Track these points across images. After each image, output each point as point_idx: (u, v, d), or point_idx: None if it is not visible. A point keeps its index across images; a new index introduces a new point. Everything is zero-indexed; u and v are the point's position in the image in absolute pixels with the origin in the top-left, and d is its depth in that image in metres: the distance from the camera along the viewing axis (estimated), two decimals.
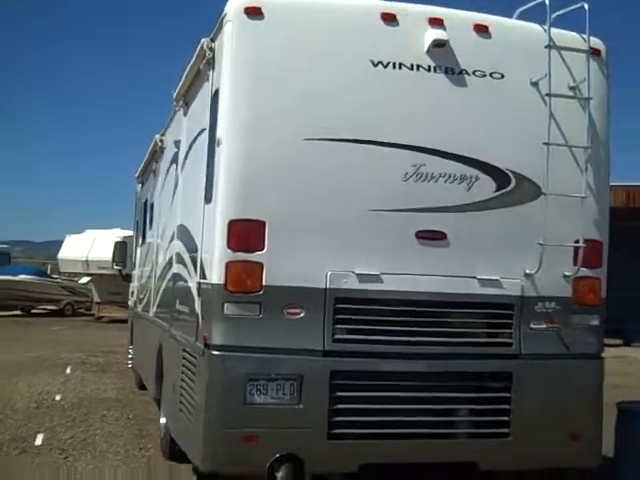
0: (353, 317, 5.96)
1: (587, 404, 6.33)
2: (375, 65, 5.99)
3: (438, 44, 6.06)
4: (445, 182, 6.07)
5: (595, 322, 6.44)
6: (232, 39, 5.88)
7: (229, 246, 5.80)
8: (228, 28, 5.90)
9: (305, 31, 5.96)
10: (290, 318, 5.82)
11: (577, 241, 6.25)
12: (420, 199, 6.03)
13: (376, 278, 5.93)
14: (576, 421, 6.28)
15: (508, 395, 6.16)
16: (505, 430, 6.14)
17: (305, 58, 5.94)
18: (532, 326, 6.26)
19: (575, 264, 6.33)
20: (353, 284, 5.89)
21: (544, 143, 6.11)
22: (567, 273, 6.31)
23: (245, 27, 5.88)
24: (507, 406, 6.15)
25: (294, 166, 5.86)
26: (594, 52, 6.46)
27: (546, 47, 6.17)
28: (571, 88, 6.37)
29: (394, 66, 6.04)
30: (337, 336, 5.90)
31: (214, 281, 5.84)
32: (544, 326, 6.29)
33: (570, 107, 6.30)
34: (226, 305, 5.79)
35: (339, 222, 5.92)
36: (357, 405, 5.92)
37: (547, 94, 6.17)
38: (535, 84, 6.26)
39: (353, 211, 5.93)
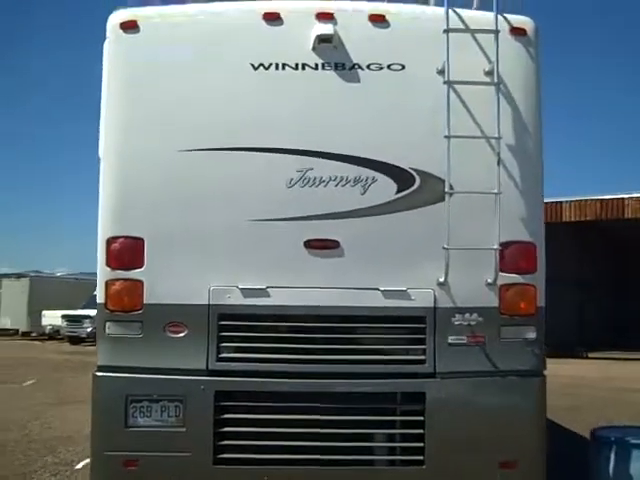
0: (239, 334, 5.75)
1: (521, 428, 5.68)
2: (256, 68, 5.81)
3: (324, 39, 5.77)
4: (336, 186, 5.71)
5: (530, 335, 5.77)
6: (109, 56, 5.98)
7: (108, 264, 5.77)
8: (106, 45, 5.95)
9: (182, 41, 5.93)
10: (172, 337, 5.68)
11: (494, 243, 5.64)
12: (308, 206, 5.73)
13: (262, 292, 5.65)
14: (507, 447, 5.65)
15: (421, 418, 5.58)
16: (419, 457, 5.62)
17: (182, 68, 5.90)
18: (450, 341, 5.69)
19: (501, 270, 5.64)
20: (237, 299, 5.67)
21: (445, 136, 5.57)
22: (490, 280, 5.62)
23: (121, 42, 5.95)
24: (420, 431, 5.57)
25: (171, 179, 5.79)
26: (517, 32, 5.88)
27: (445, 31, 5.65)
28: (488, 73, 5.74)
29: (277, 67, 5.81)
30: (222, 355, 5.69)
31: (99, 300, 5.79)
32: (464, 340, 5.68)
33: (485, 95, 5.67)
34: (107, 324, 5.76)
35: (220, 235, 5.76)
36: (245, 428, 5.64)
37: (445, 82, 5.60)
38: (442, 72, 5.74)
39: (234, 222, 5.76)
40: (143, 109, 5.86)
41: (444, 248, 5.58)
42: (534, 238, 5.82)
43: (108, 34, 5.97)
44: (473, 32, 5.81)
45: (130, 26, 5.89)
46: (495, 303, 5.73)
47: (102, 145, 5.94)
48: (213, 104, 5.83)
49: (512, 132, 5.81)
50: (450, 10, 5.81)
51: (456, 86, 5.79)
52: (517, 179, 5.80)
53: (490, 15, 5.88)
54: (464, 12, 5.90)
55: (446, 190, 5.64)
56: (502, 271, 5.74)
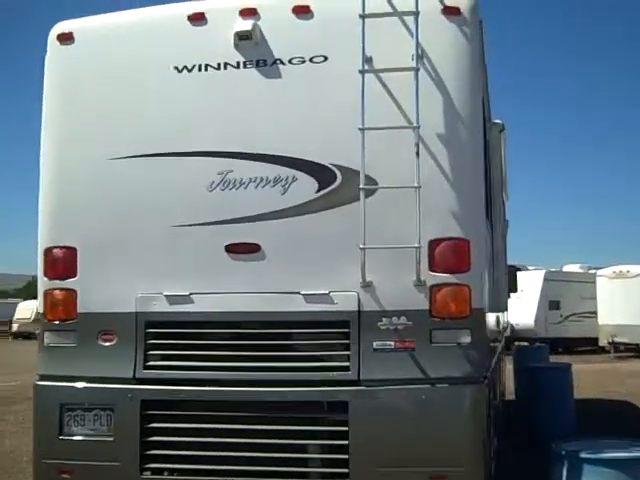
0: (165, 342, 5.79)
1: (453, 438, 5.31)
2: (180, 71, 5.83)
3: (242, 37, 5.72)
4: (256, 187, 5.62)
5: (464, 339, 5.40)
6: (47, 67, 6.19)
7: (45, 274, 5.93)
8: (46, 57, 6.07)
9: (112, 49, 6.06)
10: (104, 345, 5.81)
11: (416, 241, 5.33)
12: (228, 209, 5.67)
13: (186, 299, 5.66)
14: (438, 459, 5.34)
15: (345, 429, 5.34)
16: (344, 470, 5.41)
17: (111, 77, 6.04)
18: (376, 346, 5.43)
19: (431, 269, 5.32)
20: (163, 307, 5.70)
21: (359, 128, 5.31)
22: (418, 280, 5.30)
23: (57, 54, 6.17)
24: (345, 442, 5.34)
25: (100, 188, 5.94)
26: (450, 11, 5.56)
27: (360, 17, 5.40)
28: (419, 58, 5.45)
29: (199, 68, 5.81)
30: (149, 363, 5.76)
31: (40, 310, 5.95)
32: (392, 346, 5.40)
33: (410, 82, 5.35)
34: (45, 334, 5.95)
35: (145, 242, 5.82)
36: (172, 437, 5.66)
37: (360, 71, 5.34)
38: (368, 61, 5.52)
39: (158, 229, 5.80)
40: (75, 118, 6.04)
41: (360, 248, 5.30)
42: (467, 234, 5.43)
43: (48, 47, 6.13)
44: (391, 15, 5.50)
45: (66, 38, 6.08)
46: (425, 305, 5.40)
47: (41, 155, 6.09)
48: (138, 111, 5.91)
49: (441, 121, 5.48)
50: None
51: (382, 75, 5.50)
52: (447, 171, 5.44)
53: None
54: None
55: (361, 186, 5.36)
56: (432, 271, 5.42)
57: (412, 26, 5.51)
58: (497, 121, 8.65)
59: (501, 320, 10.68)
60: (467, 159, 5.54)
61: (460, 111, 5.51)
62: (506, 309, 14.01)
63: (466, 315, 5.40)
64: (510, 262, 15.30)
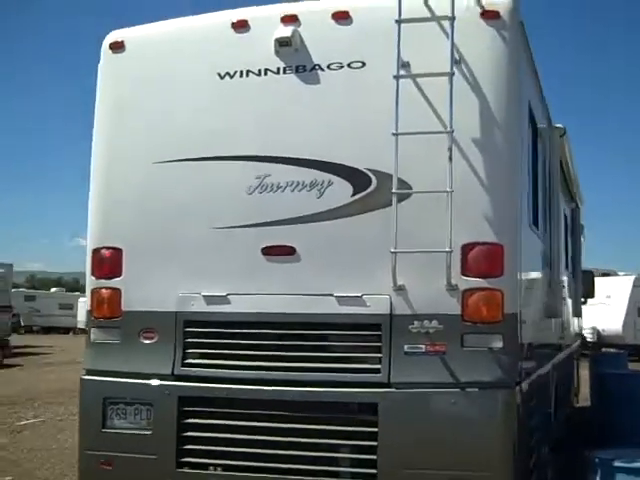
0: (203, 341, 5.96)
1: (481, 443, 5.32)
2: (222, 77, 6.00)
3: (283, 43, 5.86)
4: (293, 191, 5.74)
5: (497, 344, 5.39)
6: (100, 74, 6.41)
7: (93, 274, 6.19)
8: (99, 65, 6.30)
9: (160, 58, 6.30)
10: (145, 342, 6.01)
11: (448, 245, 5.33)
12: (266, 212, 5.80)
13: (223, 299, 5.81)
14: (465, 463, 5.34)
15: (375, 430, 5.41)
16: (372, 471, 5.47)
17: (159, 84, 6.27)
18: (407, 350, 5.49)
19: (464, 273, 5.34)
20: (201, 306, 5.87)
21: (393, 134, 5.38)
22: (451, 284, 5.32)
23: (109, 62, 6.41)
24: (374, 443, 5.40)
25: (146, 191, 6.14)
26: (489, 15, 5.55)
27: (397, 22, 5.46)
28: (457, 63, 5.46)
29: (241, 75, 5.96)
30: (187, 360, 5.94)
31: (87, 308, 6.20)
32: (423, 349, 5.44)
33: (444, 86, 5.40)
34: (92, 331, 6.19)
35: (186, 243, 6.01)
36: (207, 433, 5.83)
37: (395, 76, 5.41)
38: (405, 66, 5.53)
39: (199, 231, 5.99)
40: (125, 124, 6.29)
41: (391, 252, 5.34)
42: (501, 239, 5.42)
43: (101, 55, 6.37)
44: (427, 21, 5.52)
45: (117, 46, 6.33)
46: (457, 310, 5.41)
47: (92, 158, 6.32)
48: (183, 116, 6.10)
49: (476, 125, 5.49)
50: None
51: (419, 80, 5.54)
52: (482, 176, 5.44)
53: (463, 1, 5.56)
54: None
55: (393, 190, 5.40)
56: (465, 275, 5.43)
57: (450, 30, 5.53)
58: (558, 125, 8.53)
59: (567, 325, 10.54)
60: (503, 164, 5.51)
61: (496, 115, 5.50)
62: (579, 315, 13.82)
63: (498, 320, 5.39)
64: (600, 268, 15.12)
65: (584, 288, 14.63)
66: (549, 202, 8.30)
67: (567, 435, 9.70)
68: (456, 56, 5.52)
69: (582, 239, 14.79)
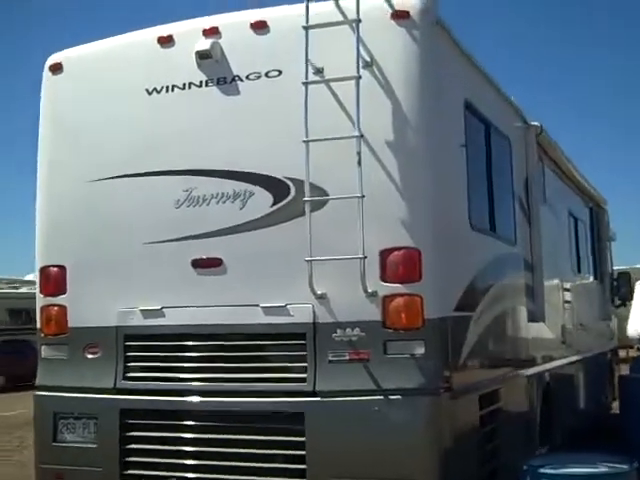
0: (141, 354, 6.10)
1: (406, 450, 5.27)
2: (150, 93, 6.14)
3: (203, 55, 5.94)
4: (217, 203, 5.84)
5: (418, 350, 5.34)
6: (42, 96, 6.61)
7: (41, 291, 6.34)
8: (42, 87, 6.49)
9: (95, 77, 6.44)
10: (90, 357, 6.18)
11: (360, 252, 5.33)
12: (193, 225, 5.92)
13: (158, 313, 5.94)
14: (390, 471, 5.31)
15: (302, 439, 5.40)
16: None
17: (93, 103, 6.41)
18: (331, 358, 5.50)
19: (383, 279, 5.32)
20: (139, 321, 6.01)
21: (303, 141, 5.39)
22: (369, 290, 5.32)
23: (49, 83, 6.60)
24: (302, 452, 5.40)
25: (84, 209, 6.33)
26: (400, 15, 5.57)
27: (304, 28, 5.49)
28: (366, 66, 5.47)
29: (167, 90, 6.10)
30: (128, 374, 6.08)
31: (38, 326, 6.35)
32: (346, 357, 5.44)
33: (366, 89, 5.43)
34: (43, 347, 6.34)
35: (123, 259, 6.16)
36: (148, 445, 5.93)
37: (303, 82, 5.45)
38: (319, 71, 5.58)
39: (133, 246, 6.14)
40: (62, 144, 6.48)
41: (306, 260, 5.35)
42: (418, 243, 5.36)
43: (43, 77, 6.55)
44: (333, 25, 5.53)
45: (56, 68, 6.53)
46: (378, 316, 5.40)
47: (37, 181, 6.51)
48: (115, 134, 6.25)
49: (389, 128, 5.45)
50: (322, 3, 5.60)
51: (333, 85, 5.55)
52: (397, 180, 5.41)
53: (374, 2, 5.56)
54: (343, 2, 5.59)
55: (305, 198, 5.43)
56: (384, 281, 5.40)
57: (363, 34, 5.52)
58: (534, 123, 8.41)
59: (574, 331, 10.29)
60: (418, 167, 5.48)
61: (409, 117, 5.48)
62: (608, 318, 13.46)
63: (419, 326, 5.34)
64: None
65: (620, 290, 14.31)
66: (527, 204, 8.18)
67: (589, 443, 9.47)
68: (368, 58, 5.52)
69: (609, 241, 14.49)
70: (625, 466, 5.17)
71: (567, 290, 10.03)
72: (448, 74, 5.95)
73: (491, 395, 6.39)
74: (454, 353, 5.66)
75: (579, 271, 11.24)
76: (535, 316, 8.11)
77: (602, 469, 5.17)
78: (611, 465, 5.22)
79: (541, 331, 8.34)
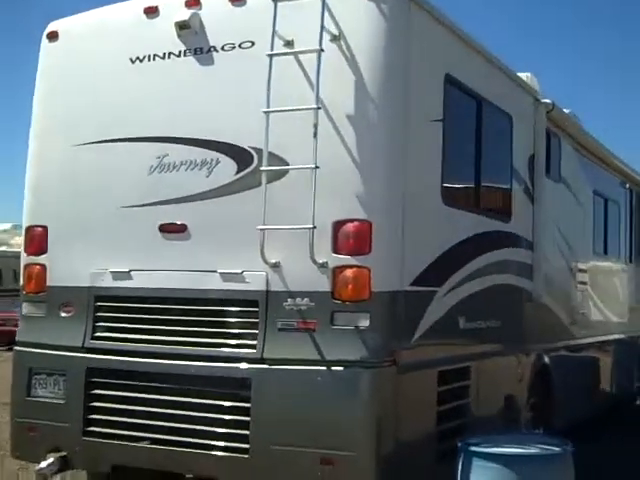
0: (109, 315, 6.29)
1: (346, 422, 5.32)
2: (133, 62, 6.28)
3: (182, 26, 6.04)
4: (186, 170, 5.96)
5: (363, 323, 5.37)
6: (39, 62, 6.73)
7: (25, 250, 6.56)
8: (40, 53, 6.68)
9: (86, 45, 6.59)
10: (64, 316, 6.36)
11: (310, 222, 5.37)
12: (163, 191, 6.07)
13: (127, 275, 6.10)
14: (330, 442, 5.34)
15: (247, 405, 5.52)
16: (244, 446, 5.56)
17: (83, 70, 6.57)
18: (280, 326, 5.55)
19: (334, 251, 5.38)
20: (108, 282, 6.18)
21: (264, 111, 5.45)
22: (320, 261, 5.37)
23: (46, 49, 6.79)
24: (246, 418, 5.50)
25: (66, 172, 6.52)
26: None
27: (273, 1, 5.54)
28: (333, 39, 5.49)
29: (149, 59, 6.24)
30: (96, 334, 6.26)
31: (21, 283, 6.58)
32: (294, 326, 5.48)
33: (328, 63, 5.45)
34: (24, 304, 6.57)
35: (99, 222, 6.35)
36: (110, 404, 6.13)
37: (268, 54, 5.49)
38: (289, 44, 5.59)
39: (108, 210, 6.30)
40: (53, 109, 6.67)
41: (258, 229, 5.41)
42: (370, 215, 5.37)
43: (41, 44, 6.72)
44: None
45: (52, 36, 6.70)
46: (327, 287, 5.43)
47: (29, 145, 6.71)
48: (98, 101, 6.41)
49: (351, 102, 5.46)
50: None
51: (301, 57, 5.56)
52: (354, 153, 5.41)
53: None
54: None
55: (262, 168, 5.49)
56: (335, 252, 5.43)
57: (333, 8, 5.52)
58: (545, 100, 8.25)
59: (592, 312, 10.12)
60: (376, 141, 5.48)
61: (371, 92, 5.46)
62: None
63: (365, 298, 5.35)
64: None
65: None
66: (531, 182, 8.05)
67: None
68: (336, 32, 5.52)
69: None
70: (557, 449, 5.11)
71: (583, 271, 9.84)
72: (423, 49, 5.91)
73: (457, 372, 6.36)
74: (406, 327, 5.65)
75: (605, 252, 11.00)
76: (533, 295, 8.02)
77: (533, 450, 5.12)
78: (545, 447, 5.17)
79: (540, 311, 8.22)
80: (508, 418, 7.42)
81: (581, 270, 9.75)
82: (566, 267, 9.24)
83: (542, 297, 8.18)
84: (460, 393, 6.42)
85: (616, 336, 11.41)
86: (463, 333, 6.55)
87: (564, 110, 9.21)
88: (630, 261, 12.40)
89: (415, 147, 5.78)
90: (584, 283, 9.84)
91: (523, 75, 8.54)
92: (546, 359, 8.45)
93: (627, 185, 12.24)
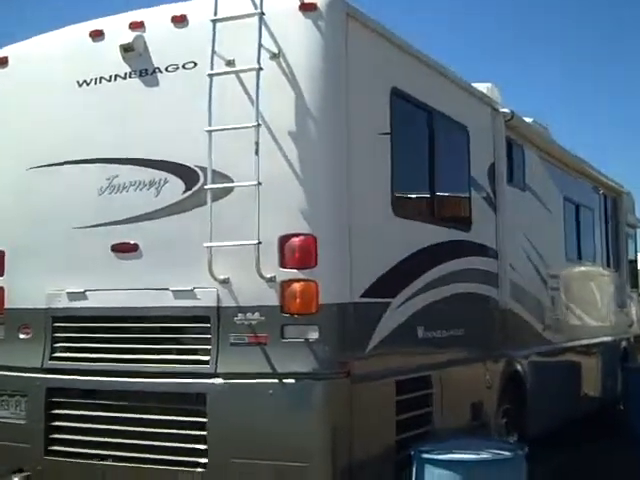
0: (67, 335, 6.38)
1: (299, 433, 5.40)
2: (80, 85, 6.37)
3: (127, 49, 6.14)
4: (135, 190, 6.07)
5: (312, 335, 5.45)
6: None
7: None
8: None
9: (35, 70, 6.70)
10: (22, 338, 6.42)
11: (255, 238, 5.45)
12: (114, 212, 6.16)
13: (82, 296, 6.19)
14: (284, 453, 5.42)
15: (204, 420, 5.59)
16: (202, 460, 5.64)
17: (32, 95, 6.68)
18: (232, 340, 5.64)
19: (281, 265, 5.46)
20: (64, 303, 6.28)
21: (206, 130, 5.53)
22: (268, 276, 5.45)
23: None
24: (203, 432, 5.57)
25: (19, 197, 6.62)
26: (307, 7, 5.70)
27: (212, 21, 5.63)
28: (273, 57, 5.60)
29: (95, 82, 6.33)
30: (54, 354, 6.32)
31: None
32: (246, 340, 5.56)
33: (269, 81, 5.54)
34: None
35: (53, 244, 6.40)
36: (70, 423, 6.18)
37: (209, 74, 5.59)
38: (230, 63, 5.69)
39: (61, 231, 6.39)
40: (5, 133, 6.72)
41: (205, 246, 5.49)
42: (314, 229, 5.46)
43: None
44: (240, 18, 5.64)
45: (3, 62, 6.79)
46: (276, 301, 5.50)
47: None
48: (48, 125, 6.50)
49: (291, 119, 5.56)
50: None
51: (242, 75, 5.65)
52: (296, 168, 5.51)
53: None
54: None
55: (206, 186, 5.58)
56: (282, 267, 5.52)
57: (272, 26, 5.62)
58: (503, 110, 8.35)
59: (566, 318, 10.16)
60: (317, 156, 5.58)
61: (311, 109, 5.56)
62: (623, 306, 13.17)
63: (313, 311, 5.43)
64: None
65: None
66: (493, 191, 8.12)
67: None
68: (275, 50, 5.63)
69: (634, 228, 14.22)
70: (508, 453, 5.16)
71: (555, 277, 9.89)
72: (364, 64, 6.00)
73: (417, 381, 6.40)
74: (358, 338, 5.71)
75: (579, 258, 11.05)
76: (499, 303, 8.07)
77: (484, 455, 5.17)
78: (496, 452, 5.22)
79: (507, 318, 8.27)
80: (476, 425, 7.47)
81: (553, 276, 9.80)
82: (535, 274, 9.29)
83: (508, 304, 8.24)
84: (422, 402, 6.47)
85: (596, 340, 11.46)
86: (422, 342, 6.60)
87: (525, 119, 9.32)
88: (608, 265, 12.48)
89: (360, 161, 5.85)
90: (556, 289, 9.89)
91: (483, 85, 8.67)
92: (517, 365, 8.49)
93: (600, 191, 12.32)
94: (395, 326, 6.14)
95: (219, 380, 5.60)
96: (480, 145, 7.89)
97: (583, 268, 11.28)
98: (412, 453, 5.44)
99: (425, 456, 5.17)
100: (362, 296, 5.77)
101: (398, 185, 6.29)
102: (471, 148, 7.67)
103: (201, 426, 5.59)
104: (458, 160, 7.51)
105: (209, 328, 5.68)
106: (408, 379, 6.27)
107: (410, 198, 6.73)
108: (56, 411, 6.15)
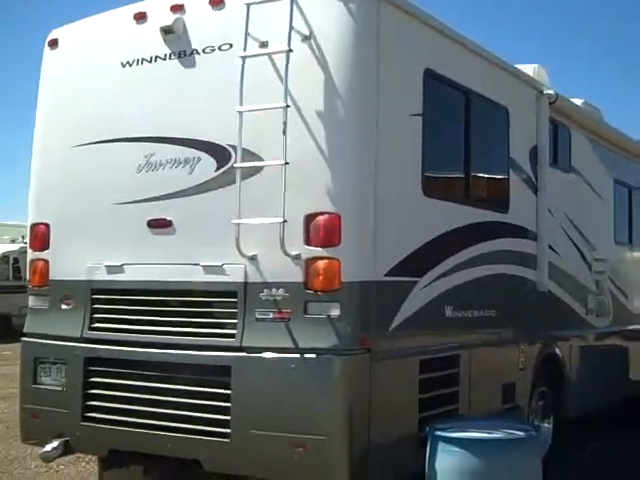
0: (105, 307, 6.61)
1: (317, 407, 5.55)
2: (123, 66, 6.55)
3: (167, 31, 6.31)
4: (171, 168, 6.27)
5: (334, 312, 5.57)
6: (42, 69, 7.11)
7: (30, 246, 6.92)
8: (42, 60, 7.05)
9: (82, 51, 6.96)
10: (64, 308, 6.68)
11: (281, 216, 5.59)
12: (150, 188, 6.37)
13: (119, 269, 6.40)
14: (300, 427, 5.57)
15: (228, 392, 5.79)
16: (225, 430, 5.83)
17: (78, 75, 6.95)
18: (257, 316, 5.81)
19: (306, 243, 5.61)
20: (103, 275, 6.48)
21: (237, 111, 5.68)
22: (294, 253, 5.60)
23: (47, 57, 7.20)
24: (227, 404, 5.77)
25: (65, 173, 6.89)
26: None
27: (246, 5, 5.76)
28: (304, 39, 5.71)
29: (138, 63, 6.53)
30: (93, 325, 6.58)
31: (28, 278, 6.95)
32: (271, 316, 5.72)
33: (299, 63, 5.67)
34: (30, 298, 6.94)
35: (94, 218, 6.67)
36: (105, 391, 6.41)
37: (241, 56, 5.75)
38: (263, 45, 5.82)
39: (102, 207, 6.63)
40: (54, 113, 7.01)
41: (233, 223, 5.64)
42: (339, 208, 5.57)
43: (44, 51, 7.08)
44: (273, 0, 5.72)
45: (53, 43, 7.06)
46: (300, 278, 5.64)
47: (33, 146, 7.07)
48: (93, 104, 6.75)
49: (320, 100, 5.66)
50: None
51: (274, 57, 5.77)
52: (323, 148, 5.62)
53: None
54: None
55: (236, 165, 5.70)
56: (307, 244, 5.66)
57: (304, 8, 5.71)
58: (547, 92, 8.27)
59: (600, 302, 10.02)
60: (345, 137, 5.68)
61: (340, 90, 5.65)
62: None
63: (335, 288, 5.55)
64: None
65: None
66: (534, 173, 8.09)
67: None
68: (307, 32, 5.72)
69: None
70: (522, 433, 5.21)
71: (602, 260, 9.80)
72: (396, 46, 6.06)
73: (443, 360, 6.49)
74: (381, 316, 5.82)
75: (630, 242, 10.92)
76: (537, 285, 8.07)
77: (497, 435, 5.23)
78: (509, 432, 5.27)
79: (545, 300, 8.25)
80: (509, 407, 7.52)
81: (599, 260, 9.71)
82: (579, 256, 9.23)
83: (547, 286, 8.22)
84: (448, 381, 6.55)
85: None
86: (451, 322, 6.67)
87: (575, 100, 9.23)
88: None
89: (389, 142, 5.93)
90: (601, 272, 9.80)
91: (530, 67, 8.62)
92: (555, 348, 8.49)
93: None
94: (421, 305, 6.23)
95: (243, 354, 5.78)
96: (521, 126, 7.86)
97: (633, 252, 11.14)
98: (427, 429, 5.53)
99: (438, 433, 5.26)
100: (387, 275, 5.87)
101: (429, 166, 6.36)
102: (511, 129, 7.65)
103: (226, 398, 5.78)
104: (496, 141, 7.52)
105: (236, 303, 5.85)
106: (434, 358, 6.36)
107: (442, 179, 6.79)
108: (93, 379, 6.41)
